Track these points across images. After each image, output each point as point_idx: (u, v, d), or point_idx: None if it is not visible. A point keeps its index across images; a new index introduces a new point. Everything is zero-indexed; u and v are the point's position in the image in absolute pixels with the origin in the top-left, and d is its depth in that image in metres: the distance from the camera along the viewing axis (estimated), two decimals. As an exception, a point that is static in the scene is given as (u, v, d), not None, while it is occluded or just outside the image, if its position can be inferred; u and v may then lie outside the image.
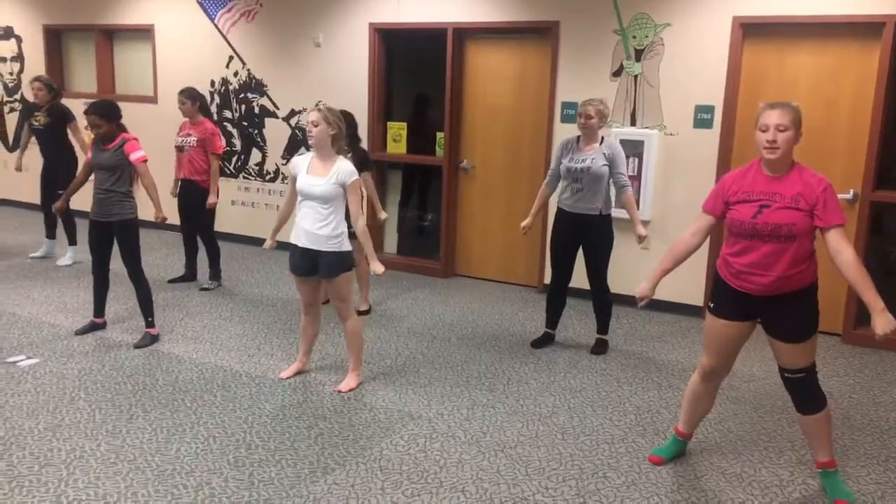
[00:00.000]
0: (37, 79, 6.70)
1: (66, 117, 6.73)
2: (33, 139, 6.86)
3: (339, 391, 4.18)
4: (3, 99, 9.40)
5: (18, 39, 9.20)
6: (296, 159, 4.11)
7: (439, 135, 6.77)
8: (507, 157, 6.58)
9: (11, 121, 9.32)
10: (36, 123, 6.70)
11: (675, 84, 5.68)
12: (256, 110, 7.64)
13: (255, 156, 7.73)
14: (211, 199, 6.05)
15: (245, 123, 7.74)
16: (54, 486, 3.13)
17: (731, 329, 3.19)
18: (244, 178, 7.81)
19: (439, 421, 3.87)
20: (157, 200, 4.96)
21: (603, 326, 5.02)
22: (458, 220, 6.86)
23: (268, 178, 7.69)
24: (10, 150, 9.31)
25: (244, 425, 3.74)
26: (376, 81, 6.93)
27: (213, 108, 7.89)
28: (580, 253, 4.88)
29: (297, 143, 7.46)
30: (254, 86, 7.62)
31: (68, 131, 6.77)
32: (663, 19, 5.67)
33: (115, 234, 4.80)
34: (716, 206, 3.17)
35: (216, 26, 7.70)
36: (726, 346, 3.24)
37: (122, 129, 4.81)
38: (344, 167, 3.98)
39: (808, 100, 5.08)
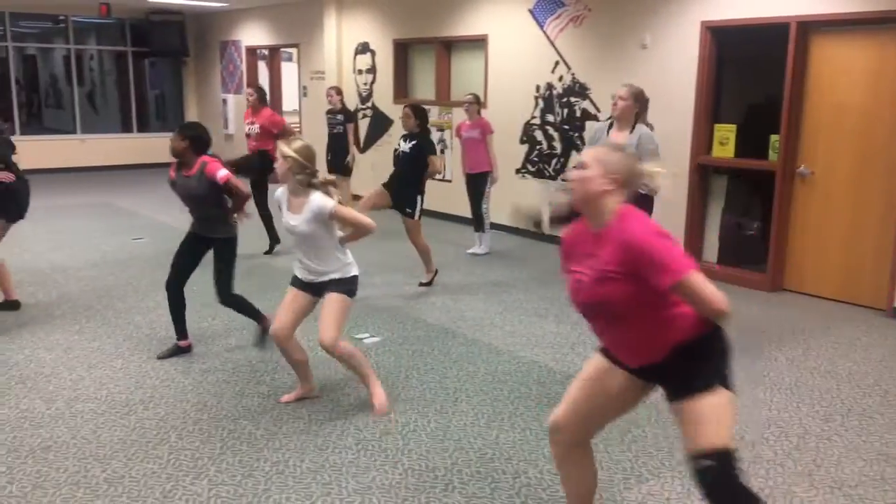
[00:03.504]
0: None
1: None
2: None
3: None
4: (357, 106, 10.70)
5: (373, 53, 10.42)
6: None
7: (773, 137, 6.27)
8: (855, 161, 5.88)
9: (363, 126, 10.61)
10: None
11: None
12: (578, 113, 7.76)
13: (575, 159, 7.86)
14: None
15: (566, 126, 7.91)
16: (392, 454, 3.48)
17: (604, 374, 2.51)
18: (563, 180, 7.98)
19: (764, 446, 3.59)
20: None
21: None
22: (790, 231, 6.30)
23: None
24: (362, 151, 10.59)
25: (558, 422, 3.82)
26: (705, 81, 6.62)
27: (537, 112, 8.19)
28: None
29: (617, 145, 7.43)
30: (577, 89, 7.75)
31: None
32: None
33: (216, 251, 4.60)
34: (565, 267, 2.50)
35: (545, 33, 7.96)
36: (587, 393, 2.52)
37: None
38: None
39: None
